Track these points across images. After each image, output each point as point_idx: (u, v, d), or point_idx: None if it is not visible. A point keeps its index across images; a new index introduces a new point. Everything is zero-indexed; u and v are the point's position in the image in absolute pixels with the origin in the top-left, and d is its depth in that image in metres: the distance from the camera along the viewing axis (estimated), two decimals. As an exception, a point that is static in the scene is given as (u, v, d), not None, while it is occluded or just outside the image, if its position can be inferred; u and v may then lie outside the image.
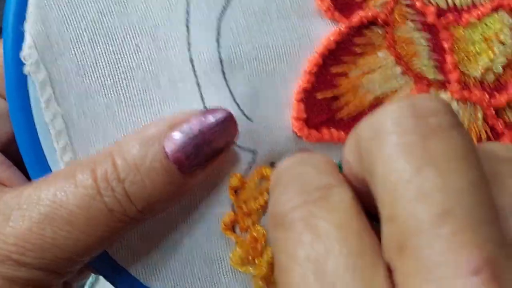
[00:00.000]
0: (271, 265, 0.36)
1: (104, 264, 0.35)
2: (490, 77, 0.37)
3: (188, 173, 0.32)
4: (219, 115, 0.32)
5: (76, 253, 0.31)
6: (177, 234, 0.35)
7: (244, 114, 0.35)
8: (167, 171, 0.31)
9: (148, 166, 0.31)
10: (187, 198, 0.35)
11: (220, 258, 0.36)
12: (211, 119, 0.32)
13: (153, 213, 0.32)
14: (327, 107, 0.36)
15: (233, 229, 0.36)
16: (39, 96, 0.34)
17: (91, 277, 0.65)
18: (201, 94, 0.35)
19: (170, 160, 0.31)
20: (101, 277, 0.67)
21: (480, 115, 0.38)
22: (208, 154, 0.32)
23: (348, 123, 0.36)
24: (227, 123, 0.32)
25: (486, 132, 0.38)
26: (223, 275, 0.36)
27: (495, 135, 0.38)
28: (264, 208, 0.36)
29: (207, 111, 0.32)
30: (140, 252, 0.35)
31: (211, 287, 0.36)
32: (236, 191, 0.35)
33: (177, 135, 0.31)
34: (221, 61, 0.35)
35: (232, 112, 0.34)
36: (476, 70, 0.37)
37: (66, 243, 0.31)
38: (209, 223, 0.36)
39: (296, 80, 0.36)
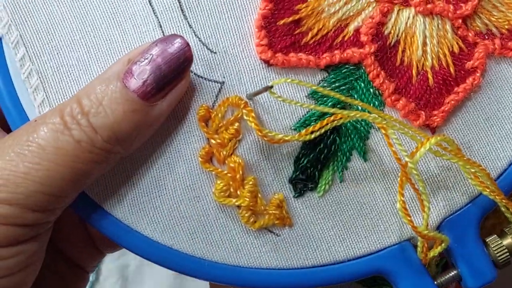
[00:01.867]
0: (254, 194, 0.35)
1: (90, 210, 0.36)
2: (452, -13, 0.37)
3: (148, 100, 0.33)
4: (172, 41, 0.33)
5: (49, 185, 0.32)
6: (159, 174, 0.36)
7: (207, 48, 0.36)
8: (127, 100, 0.32)
9: (109, 98, 0.33)
10: (163, 137, 0.35)
11: (205, 194, 0.36)
12: (164, 45, 0.33)
13: (124, 144, 0.33)
14: (290, 33, 0.36)
15: (211, 162, 0.36)
16: (13, 55, 0.35)
17: (91, 277, 0.65)
18: (163, 33, 0.36)
19: (128, 89, 0.32)
20: (101, 277, 0.66)
21: (448, 27, 0.37)
22: (165, 79, 0.33)
23: (315, 47, 0.37)
24: (180, 48, 0.33)
25: (458, 44, 0.37)
26: (210, 212, 0.36)
27: (469, 46, 0.38)
28: (237, 137, 0.36)
29: (159, 39, 0.33)
30: (125, 196, 0.35)
31: (200, 225, 0.36)
32: (206, 123, 0.35)
33: (133, 66, 0.33)
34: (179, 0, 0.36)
35: (194, 46, 0.35)
36: (436, -18, 0.37)
37: (38, 175, 0.32)
38: (188, 159, 0.36)
39: (255, 10, 0.36)
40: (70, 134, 0.32)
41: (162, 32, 0.36)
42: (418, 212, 0.37)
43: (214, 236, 0.36)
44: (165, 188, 0.36)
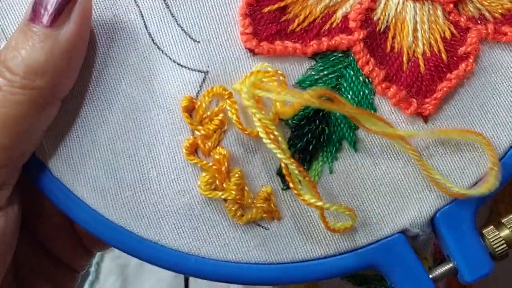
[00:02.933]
0: (241, 187, 0.34)
1: (72, 204, 0.35)
2: (442, -29, 0.36)
3: (51, 25, 0.33)
4: None
5: None
6: (143, 168, 0.35)
7: (190, 37, 0.35)
8: (32, 34, 0.33)
9: (16, 38, 0.33)
10: (146, 129, 0.34)
11: (190, 187, 0.35)
12: None
13: (45, 76, 0.33)
14: (275, 20, 0.35)
15: (196, 154, 0.35)
16: None
17: (91, 276, 0.65)
18: (144, 22, 0.35)
19: (30, 24, 0.33)
20: (101, 276, 0.66)
21: (439, 12, 0.36)
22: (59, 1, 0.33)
23: (301, 35, 0.36)
24: None
25: (450, 30, 0.36)
26: (196, 205, 0.35)
27: (461, 31, 0.37)
28: (222, 128, 0.34)
29: None
30: (108, 191, 0.35)
31: (186, 219, 0.35)
32: (190, 114, 0.34)
33: (32, 5, 0.33)
34: None
35: (176, 35, 0.34)
36: (426, -34, 0.36)
37: None
38: (172, 151, 0.35)
39: (240, -2, 0.35)
40: None
41: (144, 21, 0.35)
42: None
43: (200, 231, 0.35)
44: (149, 182, 0.35)
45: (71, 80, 0.34)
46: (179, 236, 0.35)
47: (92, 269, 0.66)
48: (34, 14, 0.33)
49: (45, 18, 0.33)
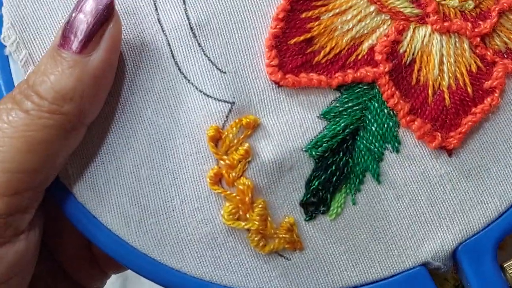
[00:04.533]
0: (264, 218, 0.34)
1: (97, 231, 0.35)
2: (470, 5, 0.36)
3: (81, 52, 0.33)
4: None
5: (6, 160, 0.32)
6: (167, 196, 0.35)
7: (217, 67, 0.35)
8: (62, 59, 0.33)
9: (45, 63, 0.33)
10: (171, 158, 0.35)
11: (213, 216, 0.35)
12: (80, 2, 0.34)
13: (73, 102, 0.33)
14: (301, 52, 0.35)
15: (220, 184, 0.35)
16: (22, 74, 0.35)
17: None
18: (171, 51, 0.35)
19: (60, 50, 0.33)
20: None
21: (466, 45, 0.36)
22: (89, 27, 0.33)
23: (327, 66, 0.36)
24: None
25: (476, 63, 0.36)
26: (219, 235, 0.35)
27: (487, 65, 0.36)
28: (247, 158, 0.35)
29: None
30: (132, 218, 0.35)
31: (208, 248, 0.35)
32: (216, 144, 0.35)
33: (62, 31, 0.33)
34: (187, 18, 0.35)
35: (203, 65, 0.34)
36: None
37: None
38: (196, 180, 0.35)
39: (266, 29, 0.35)
40: (19, 107, 0.33)
41: (171, 50, 0.35)
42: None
43: (222, 260, 0.35)
44: (173, 210, 0.35)
45: (98, 106, 0.34)
46: (201, 264, 0.35)
47: None
48: (64, 40, 0.33)
49: (75, 45, 0.33)
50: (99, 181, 0.35)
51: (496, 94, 0.36)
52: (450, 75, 0.36)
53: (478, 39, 0.36)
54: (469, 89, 0.36)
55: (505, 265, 0.37)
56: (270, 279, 0.35)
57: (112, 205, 0.35)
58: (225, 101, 0.35)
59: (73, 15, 0.33)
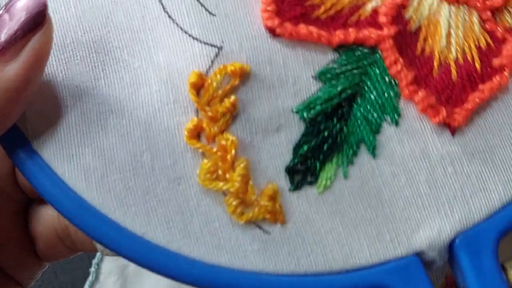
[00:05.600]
0: (245, 180, 0.30)
1: (48, 182, 0.30)
2: (483, -24, 0.33)
3: None
4: None
5: None
6: (136, 150, 0.30)
7: (206, 9, 0.31)
8: None
9: None
10: (143, 105, 0.30)
11: (187, 176, 0.30)
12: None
13: None
14: (300, 3, 0.32)
15: (198, 139, 0.31)
16: None
17: (91, 276, 0.64)
18: None
19: None
20: (101, 276, 0.66)
21: (475, 19, 0.33)
22: (10, 29, 0.29)
23: (326, 23, 0.32)
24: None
25: (485, 39, 0.33)
26: (192, 197, 0.30)
27: (496, 42, 0.34)
28: (232, 112, 0.31)
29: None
30: (94, 172, 0.30)
31: (178, 212, 0.30)
32: (198, 93, 0.31)
33: None
34: None
35: (191, 6, 0.31)
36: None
37: None
38: (172, 133, 0.31)
39: (263, -26, 0.32)
40: None
41: None
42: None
43: (193, 227, 0.30)
44: (141, 166, 0.30)
45: (6, 123, 0.30)
46: (169, 231, 0.30)
47: (92, 269, 0.65)
48: None
49: None
50: (60, 128, 0.31)
51: (505, 73, 0.33)
52: (458, 48, 0.33)
53: (489, 13, 0.33)
54: (477, 65, 0.33)
55: (506, 264, 0.33)
56: (245, 254, 0.31)
57: (71, 156, 0.30)
58: (211, 45, 0.31)
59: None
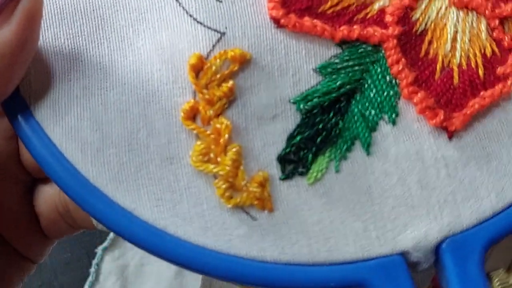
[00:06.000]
0: (236, 164, 0.31)
1: (51, 157, 0.31)
2: (494, -17, 0.33)
3: None
4: None
5: None
6: (133, 127, 0.31)
7: None
8: None
9: None
10: (143, 84, 0.31)
11: (180, 156, 0.31)
12: None
13: None
14: (307, -4, 0.32)
15: (194, 121, 0.31)
16: None
17: (91, 277, 0.65)
18: None
19: None
20: (101, 276, 0.67)
21: (483, 26, 0.33)
22: None
23: (331, 18, 0.32)
24: None
25: (491, 47, 0.33)
26: (183, 177, 0.31)
27: (502, 51, 0.33)
28: (229, 97, 0.31)
29: None
30: (90, 145, 0.31)
31: (168, 191, 0.31)
32: (197, 75, 0.31)
33: None
34: None
35: None
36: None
37: None
38: (168, 113, 0.31)
39: (272, -35, 0.32)
40: None
41: None
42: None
43: (182, 207, 0.31)
44: (137, 143, 0.31)
45: (9, 87, 0.30)
46: (157, 208, 0.31)
47: (92, 269, 0.66)
48: None
49: None
50: (61, 100, 0.32)
51: (508, 82, 0.33)
52: (463, 54, 0.33)
53: (497, 21, 0.33)
54: (481, 72, 0.33)
55: (491, 273, 0.33)
56: (231, 237, 0.31)
57: (70, 128, 0.31)
58: (215, 30, 0.31)
59: None
